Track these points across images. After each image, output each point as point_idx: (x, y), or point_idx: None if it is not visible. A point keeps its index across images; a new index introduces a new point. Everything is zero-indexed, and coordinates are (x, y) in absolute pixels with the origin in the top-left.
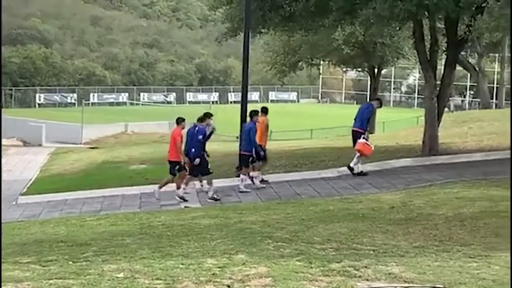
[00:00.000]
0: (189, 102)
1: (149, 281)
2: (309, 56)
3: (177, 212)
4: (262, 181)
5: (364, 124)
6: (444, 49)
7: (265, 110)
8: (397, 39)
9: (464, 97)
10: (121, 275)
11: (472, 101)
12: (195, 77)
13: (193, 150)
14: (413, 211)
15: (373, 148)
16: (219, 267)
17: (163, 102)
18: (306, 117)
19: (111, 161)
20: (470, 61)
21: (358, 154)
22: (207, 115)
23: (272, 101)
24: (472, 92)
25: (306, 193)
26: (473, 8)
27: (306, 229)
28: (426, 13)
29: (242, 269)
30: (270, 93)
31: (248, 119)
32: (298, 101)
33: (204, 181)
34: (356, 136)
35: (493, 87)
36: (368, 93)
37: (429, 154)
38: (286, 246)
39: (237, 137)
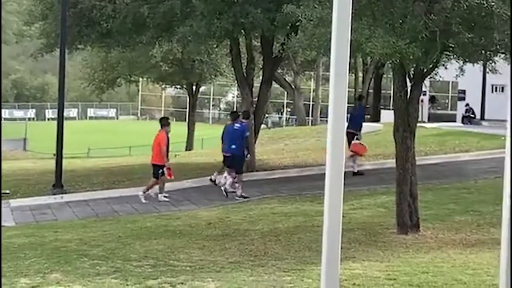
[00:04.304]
0: (5, 119)
1: None
2: (128, 72)
3: None
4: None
5: (358, 125)
6: (261, 66)
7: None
8: (215, 57)
9: (282, 114)
10: None
11: (289, 118)
12: (11, 93)
13: (233, 146)
14: (230, 226)
15: (367, 148)
16: (32, 287)
17: None
18: (125, 134)
19: None
20: (286, 78)
21: (350, 154)
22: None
23: (90, 117)
24: (289, 109)
25: (124, 210)
26: (288, 27)
27: (122, 246)
28: (242, 31)
29: None
30: (88, 109)
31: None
32: (117, 118)
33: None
34: (350, 137)
35: (309, 104)
36: (187, 110)
37: (247, 170)
38: (102, 264)
39: (54, 154)
